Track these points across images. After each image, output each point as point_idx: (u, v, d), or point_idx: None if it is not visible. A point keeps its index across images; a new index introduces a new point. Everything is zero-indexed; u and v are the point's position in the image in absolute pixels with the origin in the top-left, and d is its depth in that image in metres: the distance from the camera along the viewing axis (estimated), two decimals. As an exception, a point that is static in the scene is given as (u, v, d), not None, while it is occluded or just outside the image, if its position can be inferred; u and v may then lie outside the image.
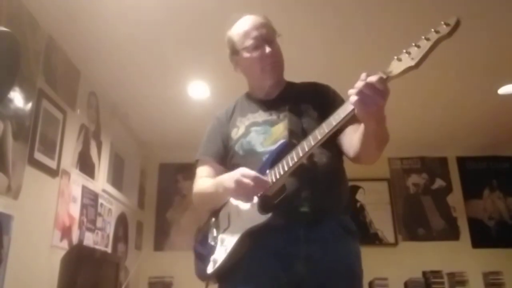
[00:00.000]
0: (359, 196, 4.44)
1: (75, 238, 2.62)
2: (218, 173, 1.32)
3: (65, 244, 2.47)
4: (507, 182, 4.44)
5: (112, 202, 3.38)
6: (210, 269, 1.20)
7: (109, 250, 3.23)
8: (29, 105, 2.15)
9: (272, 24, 1.37)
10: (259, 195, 1.14)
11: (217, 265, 1.18)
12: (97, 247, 2.96)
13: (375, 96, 0.94)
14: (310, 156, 1.14)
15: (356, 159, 1.20)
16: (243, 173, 1.12)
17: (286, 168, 1.10)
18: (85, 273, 2.42)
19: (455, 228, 4.31)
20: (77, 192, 2.70)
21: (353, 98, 0.96)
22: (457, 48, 2.64)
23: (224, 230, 1.23)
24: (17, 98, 2.05)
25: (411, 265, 4.03)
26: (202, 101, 3.27)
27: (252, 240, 1.14)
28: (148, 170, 4.43)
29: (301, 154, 1.08)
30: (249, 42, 1.32)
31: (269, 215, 1.09)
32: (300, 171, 1.13)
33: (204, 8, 2.27)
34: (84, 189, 2.80)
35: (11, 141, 1.98)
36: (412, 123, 3.82)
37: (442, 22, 0.89)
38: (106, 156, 3.28)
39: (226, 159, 1.34)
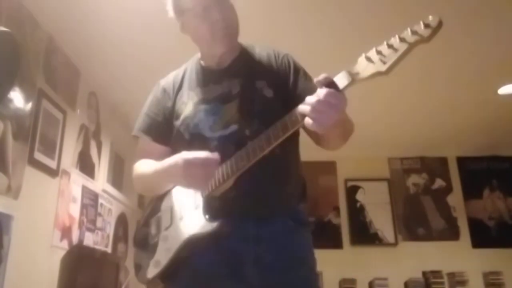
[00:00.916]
0: (359, 196, 4.44)
1: (75, 238, 2.62)
2: (159, 154, 1.17)
3: (65, 244, 2.47)
4: (507, 182, 4.44)
5: (112, 202, 3.38)
6: (151, 272, 1.09)
7: (109, 250, 3.22)
8: (29, 105, 2.15)
9: None
10: (204, 194, 1.06)
11: (159, 269, 1.08)
12: (97, 247, 2.96)
13: (330, 112, 0.86)
14: None
15: (324, 147, 1.15)
16: (187, 161, 1.00)
17: (235, 169, 1.01)
18: (85, 273, 2.42)
19: (455, 228, 4.32)
20: (77, 192, 2.70)
21: (308, 121, 0.88)
22: (457, 47, 2.64)
23: (166, 228, 1.11)
24: (17, 98, 2.05)
25: (411, 265, 4.04)
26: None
27: (197, 245, 1.04)
28: (148, 170, 4.42)
29: (251, 157, 0.99)
30: (197, 6, 1.14)
31: (216, 223, 1.00)
32: (250, 168, 1.01)
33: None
34: (84, 189, 2.80)
35: (11, 141, 1.98)
36: (412, 123, 3.82)
37: (421, 22, 0.74)
38: (106, 156, 3.28)
39: (168, 137, 1.19)
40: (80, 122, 2.79)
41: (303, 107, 0.90)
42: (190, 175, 1.00)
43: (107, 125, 3.27)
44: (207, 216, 1.03)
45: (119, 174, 3.96)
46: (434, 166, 4.56)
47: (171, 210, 1.13)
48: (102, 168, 3.17)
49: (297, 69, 1.20)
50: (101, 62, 2.77)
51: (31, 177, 2.14)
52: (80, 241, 2.70)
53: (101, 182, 3.12)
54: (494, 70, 2.97)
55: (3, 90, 1.95)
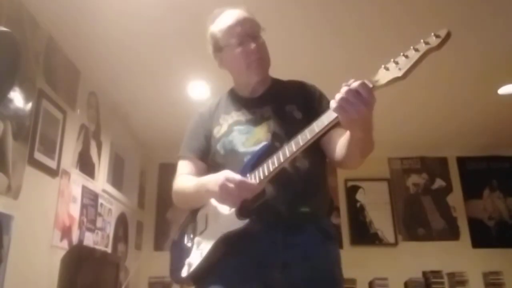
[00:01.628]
0: (359, 196, 4.44)
1: (75, 238, 2.62)
2: (199, 170, 1.29)
3: (65, 244, 2.47)
4: (507, 182, 4.45)
5: (112, 202, 3.38)
6: (184, 272, 1.18)
7: (109, 250, 3.23)
8: (29, 105, 2.15)
9: (255, 19, 1.32)
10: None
11: (192, 269, 1.16)
12: (97, 247, 2.96)
13: (357, 103, 0.90)
14: (293, 160, 1.11)
15: (338, 164, 1.18)
16: (227, 177, 1.07)
17: (266, 173, 1.07)
18: (85, 273, 2.42)
19: (455, 228, 4.32)
20: (77, 192, 2.70)
21: (334, 104, 0.93)
22: (457, 48, 2.64)
23: (201, 233, 1.20)
24: (17, 98, 2.05)
25: (411, 265, 4.04)
26: (202, 101, 3.27)
27: (228, 246, 1.11)
28: (148, 170, 4.43)
29: (282, 160, 1.05)
30: (233, 38, 1.27)
31: (247, 220, 1.07)
32: (281, 176, 1.10)
33: (204, 7, 2.26)
34: (84, 189, 2.80)
35: (11, 141, 1.98)
36: (412, 123, 3.83)
37: (432, 34, 0.86)
38: (106, 156, 3.28)
39: (208, 156, 1.30)
40: (80, 122, 2.79)
41: (336, 96, 0.94)
42: (225, 191, 1.06)
43: (107, 125, 3.27)
44: (238, 216, 1.09)
45: (119, 174, 3.96)
46: (434, 166, 4.56)
47: (206, 217, 1.21)
48: (102, 168, 3.17)
49: (323, 97, 1.31)
50: (101, 62, 2.77)
51: (31, 177, 2.14)
52: (80, 241, 2.70)
53: (101, 182, 3.12)
54: (494, 70, 2.97)
55: (3, 90, 1.95)
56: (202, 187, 1.16)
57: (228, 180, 1.06)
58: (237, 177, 1.07)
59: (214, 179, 1.11)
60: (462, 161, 4.54)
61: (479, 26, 2.46)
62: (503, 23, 2.46)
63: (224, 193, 1.07)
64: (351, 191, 4.45)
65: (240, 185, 1.05)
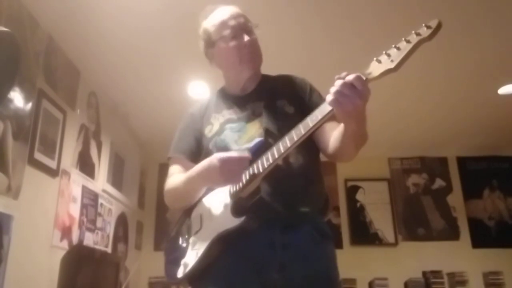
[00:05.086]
0: (359, 196, 4.44)
1: (75, 238, 2.62)
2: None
3: (65, 244, 2.47)
4: (507, 182, 4.45)
5: (112, 202, 3.38)
6: (180, 273, 1.16)
7: (109, 250, 3.23)
8: (29, 105, 2.15)
9: (248, 17, 1.32)
10: (232, 192, 1.10)
11: (188, 269, 1.14)
12: (97, 247, 2.96)
13: (352, 96, 0.91)
14: (286, 157, 1.10)
15: (332, 157, 1.17)
16: (221, 159, 1.06)
17: (260, 170, 1.05)
18: (85, 273, 2.42)
19: (455, 228, 4.32)
20: (77, 192, 2.70)
21: (330, 97, 0.93)
22: (457, 48, 2.64)
23: (196, 232, 1.18)
24: (17, 98, 2.05)
25: (411, 265, 4.04)
26: (202, 101, 3.27)
27: (224, 245, 1.10)
28: (148, 170, 4.43)
29: (276, 156, 1.04)
30: (226, 31, 1.26)
31: (243, 218, 1.06)
32: (276, 172, 1.08)
33: (204, 8, 2.27)
34: (84, 189, 2.80)
35: (11, 141, 1.98)
36: (412, 123, 3.82)
37: (423, 25, 0.86)
38: (106, 156, 3.28)
39: (199, 156, 1.27)
40: (80, 122, 2.79)
41: (331, 89, 0.94)
42: (227, 170, 1.06)
43: (107, 125, 3.27)
44: (234, 214, 1.08)
45: (119, 174, 3.97)
46: (434, 166, 4.56)
47: (201, 216, 1.20)
48: (102, 168, 3.17)
49: (313, 90, 1.31)
50: (101, 62, 2.77)
51: (31, 177, 2.14)
52: (80, 241, 2.70)
53: (101, 182, 3.12)
54: (494, 70, 2.97)
55: (3, 90, 1.95)
56: (198, 177, 1.15)
57: (224, 161, 1.06)
58: (230, 155, 1.08)
59: (209, 166, 1.10)
60: (462, 161, 4.55)
61: (479, 26, 2.46)
62: (503, 23, 2.46)
63: (227, 174, 1.06)
64: (351, 191, 4.45)
65: (238, 161, 1.07)
